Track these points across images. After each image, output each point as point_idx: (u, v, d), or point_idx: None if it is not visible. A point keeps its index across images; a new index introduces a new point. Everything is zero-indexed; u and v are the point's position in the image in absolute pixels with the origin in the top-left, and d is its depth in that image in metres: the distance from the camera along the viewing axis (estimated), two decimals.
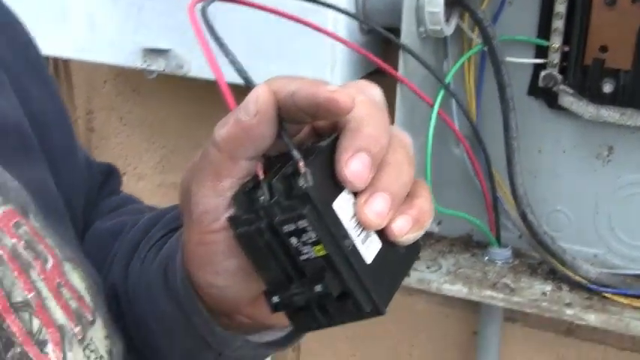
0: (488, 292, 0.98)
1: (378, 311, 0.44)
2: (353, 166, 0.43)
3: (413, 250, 0.49)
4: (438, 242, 1.11)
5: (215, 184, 0.46)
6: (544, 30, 0.99)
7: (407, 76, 0.95)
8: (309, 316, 0.45)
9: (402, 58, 0.93)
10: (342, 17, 0.95)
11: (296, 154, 0.43)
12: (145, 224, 0.62)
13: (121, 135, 1.37)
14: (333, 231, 0.43)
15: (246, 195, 0.45)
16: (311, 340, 1.33)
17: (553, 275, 1.02)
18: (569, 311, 0.95)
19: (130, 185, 1.38)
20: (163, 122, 1.33)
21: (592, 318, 0.94)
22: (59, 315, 0.47)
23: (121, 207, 0.69)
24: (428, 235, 1.11)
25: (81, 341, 0.48)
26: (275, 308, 0.45)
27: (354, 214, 0.44)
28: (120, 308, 0.60)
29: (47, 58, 1.28)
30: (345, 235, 0.44)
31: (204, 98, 1.26)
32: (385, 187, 0.44)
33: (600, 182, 1.03)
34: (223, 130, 0.44)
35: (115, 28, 1.05)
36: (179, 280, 0.53)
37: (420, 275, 1.01)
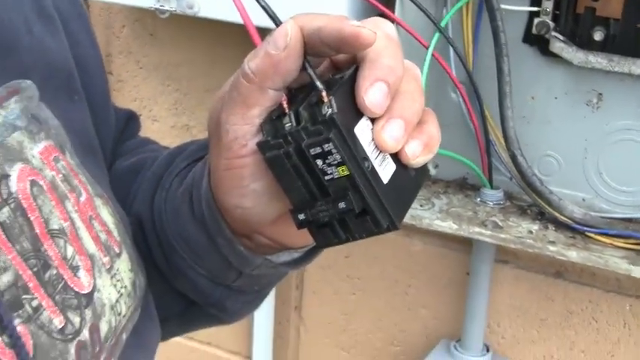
0: (477, 229, 1.03)
1: (394, 226, 0.49)
2: (372, 94, 0.48)
3: (422, 173, 0.54)
4: (435, 184, 1.15)
5: (244, 113, 0.50)
6: None
7: (405, 20, 0.99)
8: (331, 231, 0.50)
9: (399, 1, 0.98)
10: None
11: (319, 84, 0.48)
12: (167, 158, 0.67)
13: (138, 78, 1.43)
14: (355, 153, 0.47)
15: (273, 122, 0.49)
16: (313, 280, 1.39)
17: (541, 216, 1.06)
18: (552, 248, 0.99)
19: (145, 127, 1.42)
20: (177, 66, 1.38)
21: (574, 255, 0.98)
22: (90, 245, 0.52)
23: (139, 148, 0.73)
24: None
25: (109, 270, 0.53)
26: (300, 225, 0.50)
27: (372, 139, 0.49)
28: (145, 237, 0.64)
29: None
30: (365, 157, 0.48)
31: (216, 44, 1.31)
32: (400, 114, 0.49)
33: (589, 128, 1.06)
34: (253, 62, 0.49)
35: None
36: (204, 203, 0.57)
37: (413, 212, 1.06)
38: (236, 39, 1.24)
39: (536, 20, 1.03)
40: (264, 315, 1.41)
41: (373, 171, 0.49)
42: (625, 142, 1.05)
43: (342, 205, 0.48)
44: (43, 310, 0.46)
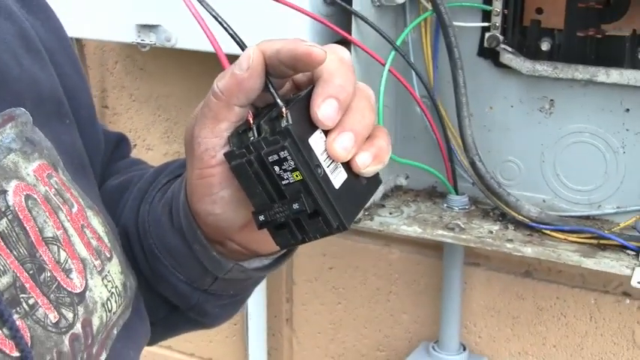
0: (440, 232, 1.10)
1: (343, 226, 0.56)
2: (324, 108, 0.55)
3: (373, 183, 0.61)
4: (405, 194, 1.22)
5: (214, 127, 0.58)
6: None
7: (362, 41, 1.07)
8: (288, 232, 0.57)
9: (355, 24, 1.05)
10: None
11: (279, 100, 0.56)
12: (152, 174, 0.74)
13: (131, 110, 1.52)
14: (307, 160, 0.54)
15: (239, 135, 0.57)
16: (302, 292, 1.45)
17: (502, 217, 1.13)
18: (509, 245, 1.06)
19: (140, 155, 1.51)
20: (167, 97, 1.47)
21: (529, 250, 1.04)
22: (82, 250, 0.58)
23: (129, 168, 0.80)
24: (397, 188, 1.23)
25: (100, 272, 0.59)
26: (260, 225, 0.57)
27: (325, 149, 0.56)
28: (130, 245, 0.71)
29: None
30: (317, 164, 0.55)
31: (201, 73, 1.39)
32: (350, 127, 0.56)
33: (544, 133, 1.13)
34: (222, 82, 0.57)
35: (112, 8, 1.19)
36: (182, 213, 0.65)
37: (382, 219, 1.13)
38: (218, 68, 1.33)
39: (487, 34, 1.11)
40: (257, 328, 1.47)
41: (325, 177, 0.55)
42: (578, 145, 1.12)
43: (295, 206, 0.55)
44: (38, 307, 0.53)
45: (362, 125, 0.57)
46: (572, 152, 1.12)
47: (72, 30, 1.25)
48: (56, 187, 0.58)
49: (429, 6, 1.12)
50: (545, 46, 1.08)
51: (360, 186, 0.59)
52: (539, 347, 1.27)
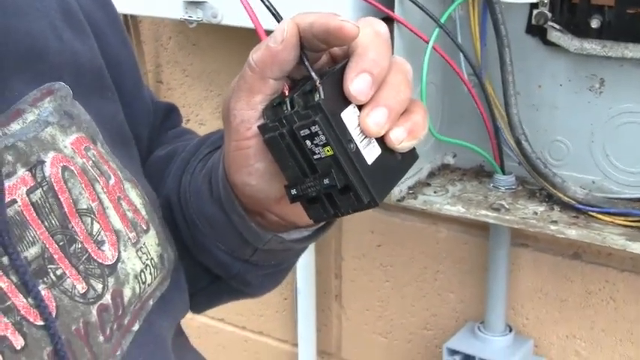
0: (483, 212, 1.08)
1: (374, 202, 0.56)
2: (356, 83, 0.55)
3: (409, 158, 0.60)
4: (452, 172, 1.21)
5: (249, 99, 0.58)
6: None
7: (407, 18, 1.05)
8: (320, 207, 0.57)
9: (398, 2, 1.04)
10: None
11: (313, 74, 0.55)
12: (195, 145, 0.75)
13: (184, 86, 1.53)
14: (339, 135, 0.54)
15: (273, 108, 0.57)
16: (350, 269, 1.46)
17: (549, 198, 1.10)
18: (552, 227, 1.04)
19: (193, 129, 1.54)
20: (218, 73, 1.48)
21: (573, 233, 1.02)
22: (117, 222, 0.59)
23: (177, 138, 0.81)
24: (444, 167, 1.22)
25: (135, 244, 0.60)
26: (293, 199, 0.57)
27: (359, 124, 0.56)
28: (173, 215, 0.72)
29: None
30: (350, 139, 0.55)
31: (249, 51, 1.40)
32: (384, 102, 0.56)
33: (594, 113, 1.10)
34: (256, 54, 0.57)
35: None
36: (221, 184, 0.65)
37: (425, 198, 1.12)
38: None
39: (534, 11, 1.08)
40: (307, 304, 1.48)
41: (357, 152, 0.55)
42: (629, 125, 1.09)
43: (326, 181, 0.55)
44: (66, 277, 0.54)
45: (396, 100, 0.56)
46: (622, 133, 1.09)
47: (123, 6, 1.28)
48: (94, 159, 0.59)
49: None
50: (594, 23, 1.05)
51: (394, 161, 0.58)
52: (587, 331, 1.25)
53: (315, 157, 0.55)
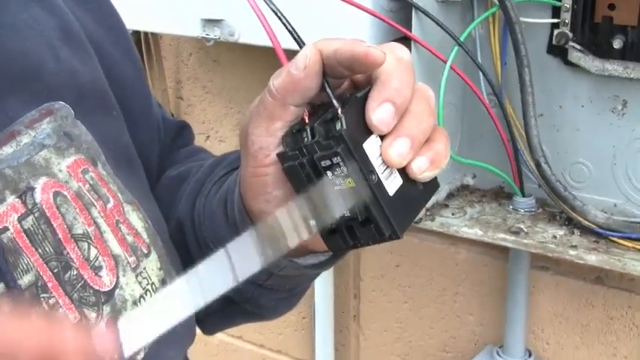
0: (501, 235, 1.06)
1: (396, 235, 0.54)
2: (379, 113, 0.53)
3: (431, 187, 0.58)
4: (471, 193, 1.19)
5: (268, 126, 0.56)
6: None
7: (424, 37, 1.04)
8: (339, 237, 0.55)
9: (416, 19, 1.03)
10: None
11: (335, 102, 0.54)
12: (210, 166, 0.74)
13: (204, 102, 1.53)
14: (360, 166, 0.52)
15: (293, 135, 0.55)
16: (368, 289, 1.44)
17: (569, 222, 1.08)
18: (572, 252, 1.01)
19: (213, 147, 1.53)
20: (238, 90, 1.47)
21: (592, 258, 1.00)
22: (115, 246, 0.58)
23: (189, 157, 0.80)
24: (463, 187, 1.20)
25: (134, 269, 0.59)
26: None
27: (381, 154, 0.54)
28: (185, 238, 0.71)
29: (140, 33, 1.46)
30: (371, 170, 0.53)
31: (269, 69, 1.39)
32: (407, 132, 0.54)
33: (617, 135, 1.08)
34: (277, 80, 0.55)
35: (177, 3, 1.20)
36: (236, 209, 0.64)
37: (443, 220, 1.10)
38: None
39: (555, 31, 1.06)
40: (325, 324, 1.47)
41: (379, 183, 0.53)
42: None
43: (347, 213, 0.53)
44: (59, 307, 0.53)
45: (419, 130, 0.54)
46: None
47: (143, 24, 1.28)
48: (91, 182, 0.58)
49: (496, 1, 1.08)
50: (617, 44, 1.02)
51: (416, 191, 0.57)
52: (608, 358, 1.22)
53: (336, 188, 0.53)
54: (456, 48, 1.05)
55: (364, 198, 0.52)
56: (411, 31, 1.03)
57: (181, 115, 1.55)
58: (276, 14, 0.58)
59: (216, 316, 0.75)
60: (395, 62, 0.54)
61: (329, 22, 1.07)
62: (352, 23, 1.06)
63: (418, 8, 1.01)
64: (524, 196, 1.13)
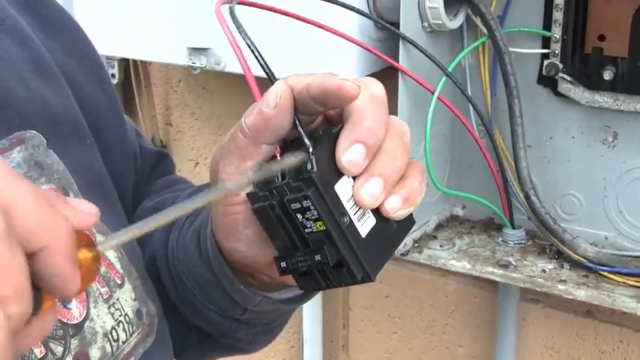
0: (490, 269, 1.04)
1: (368, 278, 0.53)
2: (349, 154, 0.52)
3: (406, 225, 0.57)
4: (460, 224, 1.17)
5: (240, 164, 0.54)
6: (548, 22, 1.04)
7: (412, 67, 1.02)
8: (311, 279, 0.54)
9: (403, 50, 1.01)
10: (354, 15, 1.04)
11: (306, 141, 0.52)
12: (184, 199, 0.72)
13: (193, 129, 1.51)
14: (332, 209, 0.51)
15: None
16: (357, 319, 1.42)
17: (558, 255, 1.06)
18: (560, 287, 1.00)
19: (202, 173, 1.52)
20: (228, 117, 1.46)
21: (582, 293, 0.98)
22: None
23: (167, 187, 0.79)
24: (452, 218, 1.18)
25: (106, 300, 0.58)
26: (282, 272, 0.54)
27: (353, 195, 0.52)
28: (158, 272, 0.70)
29: (129, 60, 1.45)
30: (343, 212, 0.52)
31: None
32: (380, 172, 0.53)
33: (607, 167, 1.06)
34: (249, 118, 0.54)
35: (164, 31, 1.19)
36: (209, 246, 0.63)
37: (431, 252, 1.09)
38: None
39: (545, 62, 1.05)
40: (313, 353, 1.45)
41: (351, 226, 0.52)
42: None
43: (317, 257, 0.52)
44: None
45: (392, 169, 0.53)
46: (636, 187, 1.05)
47: (130, 51, 1.27)
48: None
49: (486, 31, 1.07)
50: (607, 75, 1.01)
51: (390, 230, 0.55)
52: None
53: (307, 230, 0.52)
54: (444, 79, 1.03)
55: (335, 241, 0.51)
56: (398, 62, 1.01)
57: (170, 141, 1.53)
58: (249, 47, 0.56)
59: (193, 350, 0.73)
60: (368, 99, 0.53)
61: (315, 52, 1.06)
62: (339, 53, 1.05)
63: (405, 38, 1.00)
64: (513, 227, 1.11)
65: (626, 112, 1.01)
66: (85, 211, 0.39)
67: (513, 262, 1.05)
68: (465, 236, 1.14)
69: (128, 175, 0.73)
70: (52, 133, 0.59)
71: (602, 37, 1.01)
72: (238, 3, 0.59)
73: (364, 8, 1.06)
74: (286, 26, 1.05)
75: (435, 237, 1.13)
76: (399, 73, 1.02)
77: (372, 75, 1.10)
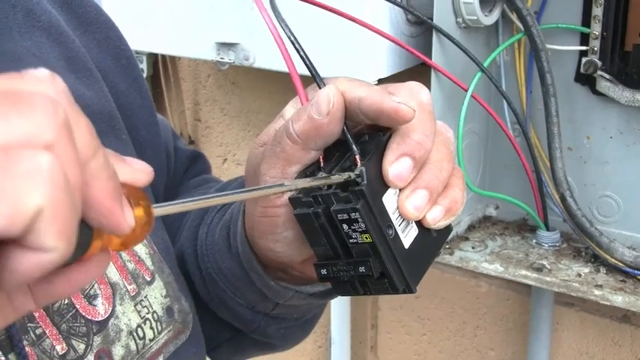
0: (523, 272, 1.02)
1: (410, 290, 0.52)
2: (396, 168, 0.51)
3: (444, 232, 0.56)
4: (493, 225, 1.15)
5: (285, 168, 0.53)
6: (587, 18, 1.01)
7: (445, 64, 1.00)
8: (350, 286, 0.53)
9: (436, 45, 0.99)
10: (386, 10, 1.01)
11: (355, 150, 0.51)
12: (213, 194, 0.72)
13: (222, 124, 1.50)
14: (380, 223, 0.50)
15: (307, 177, 0.53)
16: (386, 320, 1.39)
17: (594, 259, 1.03)
18: (597, 292, 0.96)
19: (230, 170, 1.50)
20: (256, 113, 1.44)
21: (619, 299, 0.95)
22: (114, 274, 0.56)
23: (200, 186, 0.78)
24: (485, 219, 1.16)
25: (133, 297, 0.57)
26: (322, 279, 0.54)
27: (398, 207, 0.52)
28: (186, 267, 0.69)
29: (158, 55, 1.43)
30: (389, 225, 0.51)
31: (288, 92, 1.36)
32: (426, 185, 0.52)
33: None
34: (298, 124, 0.52)
35: (193, 26, 1.17)
36: (239, 241, 0.62)
37: (462, 254, 1.06)
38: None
39: (583, 59, 1.01)
40: (341, 354, 1.43)
41: (396, 238, 0.51)
42: None
43: (362, 269, 0.51)
44: (45, 337, 0.51)
45: (438, 180, 0.52)
46: None
47: (158, 46, 1.25)
48: None
49: (522, 27, 1.04)
50: None
51: (429, 239, 0.54)
52: None
53: (352, 241, 0.51)
54: (478, 75, 1.00)
55: (380, 254, 0.50)
56: (431, 58, 0.99)
57: (199, 137, 1.52)
58: (298, 52, 0.53)
59: (225, 347, 0.73)
60: (417, 110, 0.51)
61: (347, 46, 1.03)
62: (371, 48, 1.02)
63: (440, 31, 0.97)
64: (548, 229, 1.08)
65: None
66: (140, 169, 0.38)
67: (547, 266, 1.02)
68: (498, 237, 1.11)
69: (160, 176, 0.72)
70: None
71: None
72: None
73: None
74: (318, 18, 1.02)
75: (467, 238, 1.10)
76: (432, 70, 0.99)
77: (405, 71, 1.07)
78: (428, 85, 0.98)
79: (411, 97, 0.51)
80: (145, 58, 1.41)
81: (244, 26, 1.12)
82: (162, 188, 0.73)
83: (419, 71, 1.08)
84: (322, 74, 1.00)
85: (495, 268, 1.03)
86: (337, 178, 0.50)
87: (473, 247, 1.08)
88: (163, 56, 1.44)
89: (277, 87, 1.37)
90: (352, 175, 0.50)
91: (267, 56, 1.11)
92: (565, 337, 1.20)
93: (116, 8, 1.21)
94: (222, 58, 1.15)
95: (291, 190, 0.51)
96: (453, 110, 1.01)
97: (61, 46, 0.61)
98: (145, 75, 1.45)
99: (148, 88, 0.72)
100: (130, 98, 0.68)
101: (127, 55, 0.70)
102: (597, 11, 0.99)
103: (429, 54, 0.99)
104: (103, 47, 0.67)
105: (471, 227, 1.13)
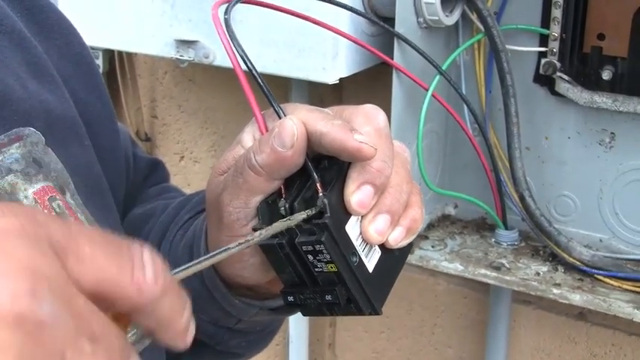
0: (482, 271, 1.02)
1: (375, 312, 0.53)
2: (357, 196, 0.51)
3: (406, 250, 0.56)
4: (452, 224, 1.15)
5: (248, 199, 0.54)
6: (546, 19, 1.02)
7: (406, 64, 1.00)
8: (317, 311, 0.54)
9: (397, 46, 0.99)
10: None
11: (316, 179, 0.51)
12: (174, 208, 0.71)
13: (179, 122, 1.48)
14: (343, 252, 0.51)
15: (268, 206, 0.53)
16: (345, 318, 1.39)
17: (553, 258, 1.05)
18: (555, 290, 0.98)
19: (187, 168, 1.49)
20: (215, 110, 1.43)
21: (577, 298, 0.96)
22: None
23: (159, 195, 0.78)
24: (444, 218, 1.16)
25: None
26: (289, 305, 0.55)
27: (361, 233, 0.52)
28: None
29: (114, 51, 1.41)
30: (353, 252, 0.51)
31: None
32: (387, 209, 0.52)
33: (604, 168, 1.04)
34: (261, 157, 0.52)
35: (151, 23, 1.15)
36: None
37: (422, 253, 1.06)
38: None
39: (543, 60, 1.02)
40: (299, 352, 1.42)
41: (360, 264, 0.52)
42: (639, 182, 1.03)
43: (328, 297, 0.52)
44: None
45: (399, 203, 0.53)
46: (632, 190, 1.03)
47: (116, 42, 1.23)
48: (58, 210, 0.55)
49: (482, 28, 1.04)
50: (606, 75, 0.99)
51: (392, 259, 0.55)
52: None
53: (317, 270, 0.52)
54: (438, 76, 1.01)
55: (346, 282, 0.51)
56: (392, 58, 0.99)
57: (156, 134, 1.50)
58: (256, 80, 0.54)
59: (185, 357, 0.72)
60: (374, 135, 0.52)
61: (307, 46, 1.03)
62: (331, 48, 1.02)
63: (399, 36, 0.98)
64: (507, 228, 1.09)
65: (625, 113, 0.99)
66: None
67: (506, 264, 1.03)
68: (457, 236, 1.12)
69: (120, 184, 0.72)
70: (50, 132, 0.57)
71: (601, 36, 0.99)
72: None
73: (359, 2, 1.04)
74: (277, 20, 1.02)
75: (426, 237, 1.11)
76: (393, 70, 0.99)
77: (366, 70, 1.07)
78: (389, 84, 0.98)
79: (367, 123, 0.52)
80: (100, 53, 1.39)
81: (204, 24, 1.11)
82: (121, 197, 0.73)
83: (380, 70, 1.08)
84: (284, 74, 1.01)
85: (455, 267, 1.04)
86: (301, 214, 0.50)
87: (433, 246, 1.09)
88: (120, 52, 1.42)
89: (236, 84, 1.35)
90: (314, 210, 0.50)
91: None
92: (522, 334, 1.22)
93: (73, 3, 1.19)
94: (181, 56, 1.14)
95: (261, 241, 0.51)
96: (414, 109, 1.01)
97: (24, 52, 0.60)
98: (100, 71, 1.43)
99: (108, 97, 0.71)
100: (90, 106, 0.67)
101: (87, 61, 0.68)
102: (556, 13, 1.00)
103: (390, 52, 0.99)
104: (64, 53, 0.66)
105: (430, 226, 1.14)
